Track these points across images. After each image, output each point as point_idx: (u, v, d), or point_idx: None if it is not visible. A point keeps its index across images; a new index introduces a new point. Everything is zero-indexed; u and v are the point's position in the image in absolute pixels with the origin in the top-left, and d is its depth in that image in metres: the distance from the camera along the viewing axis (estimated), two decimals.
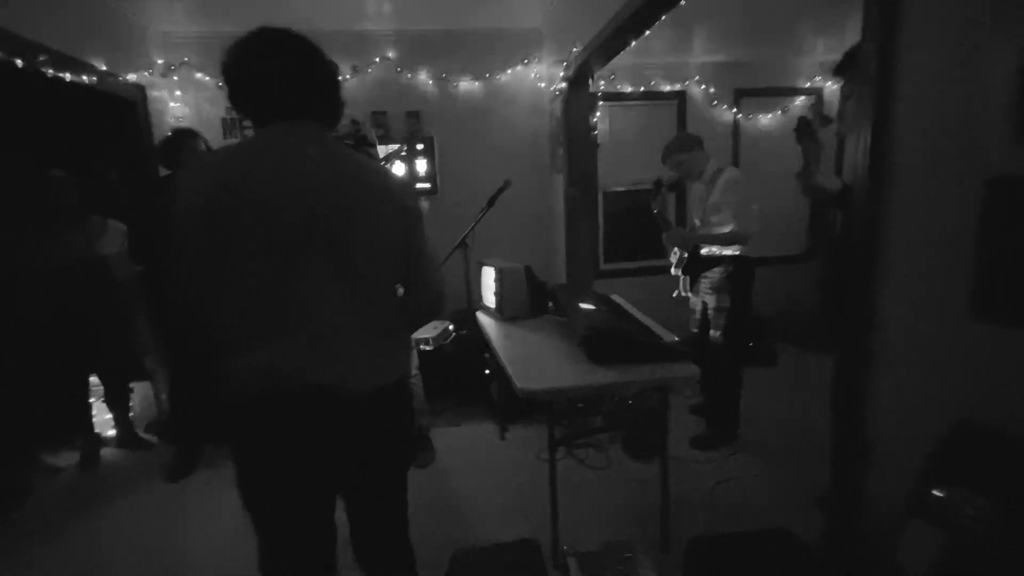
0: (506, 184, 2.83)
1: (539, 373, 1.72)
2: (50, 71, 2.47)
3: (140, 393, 3.19)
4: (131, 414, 3.07)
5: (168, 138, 2.73)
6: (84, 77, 2.70)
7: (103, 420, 3.07)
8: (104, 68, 2.88)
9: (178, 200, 0.98)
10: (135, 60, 3.23)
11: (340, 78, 1.11)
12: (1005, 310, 0.85)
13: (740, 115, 4.34)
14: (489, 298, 2.71)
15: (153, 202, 2.57)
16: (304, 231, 0.97)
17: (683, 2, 2.14)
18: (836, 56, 4.27)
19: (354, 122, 2.57)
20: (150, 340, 2.99)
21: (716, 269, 2.59)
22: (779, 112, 4.41)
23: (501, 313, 2.54)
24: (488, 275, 2.71)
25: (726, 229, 2.53)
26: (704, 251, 2.64)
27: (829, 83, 4.39)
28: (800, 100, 4.43)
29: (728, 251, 2.58)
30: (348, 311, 1.02)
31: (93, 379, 2.88)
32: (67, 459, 2.88)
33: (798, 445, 2.62)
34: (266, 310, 0.98)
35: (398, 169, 3.74)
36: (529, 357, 1.92)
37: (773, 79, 4.35)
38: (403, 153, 3.73)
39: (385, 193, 1.06)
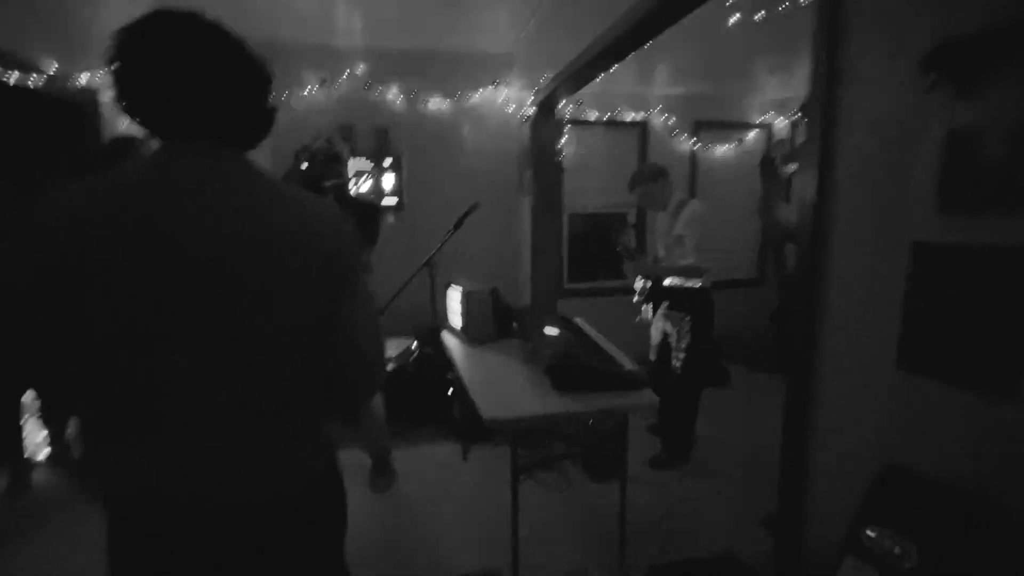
0: (474, 206, 2.87)
1: (504, 401, 1.75)
2: None
3: None
4: (68, 430, 2.88)
5: (104, 146, 2.61)
6: (31, 78, 2.56)
7: (36, 440, 2.87)
8: (55, 68, 2.74)
9: (23, 242, 0.73)
10: (87, 63, 3.09)
11: (270, 83, 0.85)
12: (926, 362, 0.95)
13: (698, 145, 4.56)
14: (455, 320, 2.73)
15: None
16: (187, 300, 0.73)
17: (648, 44, 2.25)
18: (786, 95, 4.57)
19: (328, 141, 2.59)
20: None
21: (679, 309, 2.70)
22: (734, 144, 4.66)
23: (467, 335, 2.55)
24: (454, 297, 2.73)
25: (688, 261, 2.63)
26: (667, 282, 2.75)
27: (779, 120, 4.68)
28: (753, 134, 4.70)
29: (689, 283, 2.68)
30: (238, 406, 0.77)
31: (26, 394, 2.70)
32: None
33: (748, 464, 2.75)
34: (130, 402, 0.75)
35: (365, 186, 3.72)
36: (494, 383, 1.95)
37: (729, 113, 4.61)
38: (369, 171, 3.73)
39: (310, 242, 0.80)
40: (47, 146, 3.10)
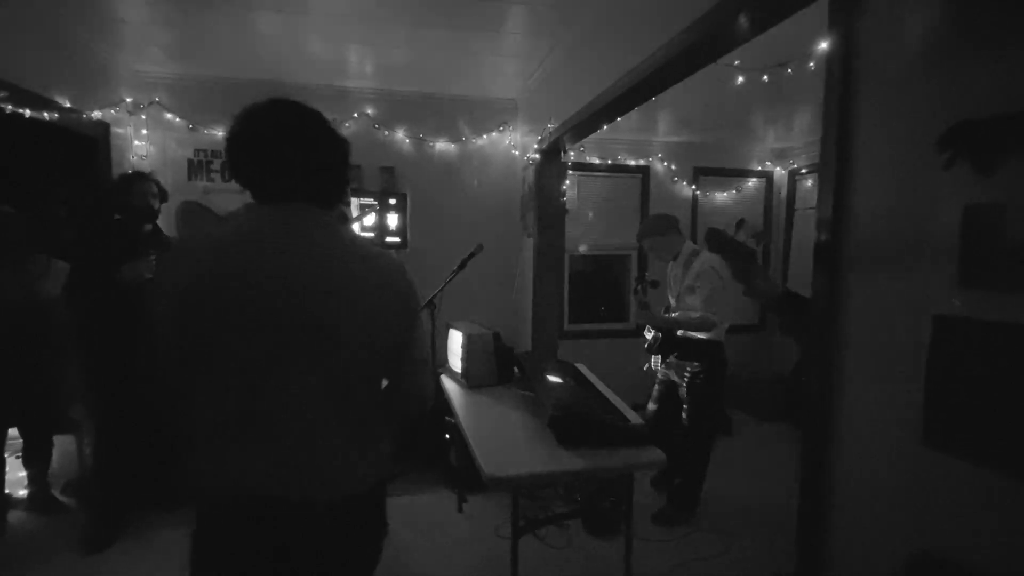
0: (478, 248, 2.87)
1: (507, 457, 1.69)
2: (8, 107, 2.36)
3: (61, 448, 2.90)
4: (49, 471, 2.78)
5: (115, 180, 2.64)
6: (45, 113, 2.59)
7: (14, 478, 2.76)
8: (68, 105, 2.78)
9: (162, 279, 0.95)
10: (103, 97, 3.14)
11: (348, 155, 1.05)
12: (954, 440, 0.91)
13: (698, 191, 4.63)
14: (455, 363, 2.68)
15: (97, 244, 2.45)
16: (291, 331, 0.91)
17: (654, 98, 2.31)
18: (785, 144, 4.67)
19: None
20: (80, 388, 2.76)
21: (693, 364, 2.64)
22: (734, 191, 4.74)
23: (467, 380, 2.51)
24: (455, 339, 2.69)
25: (697, 314, 2.58)
26: (679, 333, 2.70)
27: (778, 169, 4.77)
28: (752, 182, 4.78)
29: (702, 335, 2.63)
30: (328, 419, 0.96)
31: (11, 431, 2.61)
32: None
33: (756, 521, 2.65)
34: (238, 411, 0.92)
35: (368, 222, 3.73)
36: (495, 435, 1.89)
37: (729, 160, 4.70)
38: (374, 211, 3.74)
39: (388, 292, 1.00)
40: (61, 176, 3.13)
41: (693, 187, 4.61)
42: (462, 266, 2.86)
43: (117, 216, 2.56)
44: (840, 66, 1.11)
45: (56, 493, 2.81)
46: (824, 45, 1.17)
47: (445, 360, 2.88)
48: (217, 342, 0.90)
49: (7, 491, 2.67)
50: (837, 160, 1.12)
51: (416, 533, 2.56)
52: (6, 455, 2.63)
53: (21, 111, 2.45)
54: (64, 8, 2.62)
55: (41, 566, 2.27)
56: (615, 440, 1.75)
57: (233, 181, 0.99)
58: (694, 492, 2.72)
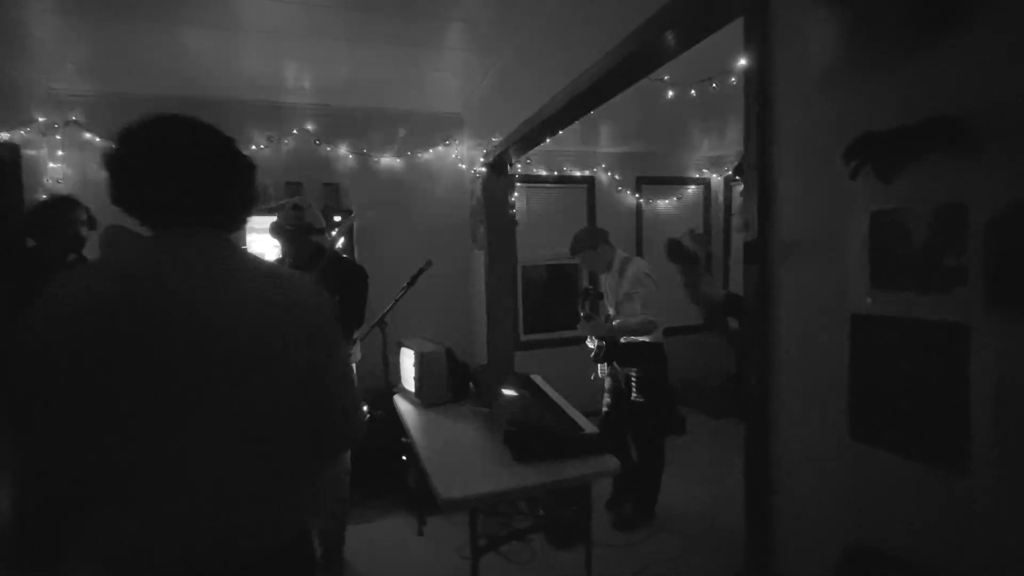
0: (427, 264, 2.83)
1: (462, 476, 1.66)
2: None
3: None
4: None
5: (40, 205, 2.43)
6: None
7: None
8: None
9: (32, 329, 0.78)
10: (11, 117, 2.91)
11: (254, 173, 0.95)
12: (878, 433, 0.97)
13: (641, 200, 4.78)
14: (408, 382, 2.63)
15: (7, 273, 2.24)
16: (188, 373, 0.80)
17: (592, 112, 2.37)
18: (719, 153, 4.89)
19: (296, 207, 2.34)
20: None
21: (630, 364, 2.72)
22: (675, 198, 4.93)
23: (421, 399, 2.46)
24: (408, 358, 2.64)
25: (637, 319, 2.66)
26: (622, 340, 2.76)
27: (714, 176, 5.01)
28: (691, 188, 4.99)
29: (643, 339, 2.71)
30: (239, 466, 0.84)
31: None
32: None
33: (714, 518, 2.73)
34: (132, 467, 0.80)
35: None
36: (451, 454, 1.86)
37: (669, 169, 4.89)
38: (352, 224, 3.60)
39: (299, 318, 0.90)
40: None
41: (637, 195, 4.76)
42: (412, 283, 2.81)
43: (33, 243, 2.35)
44: (756, 82, 1.18)
45: None
46: (743, 61, 1.23)
47: (398, 380, 2.81)
48: (104, 399, 0.78)
49: None
50: (759, 167, 1.18)
51: (376, 560, 2.47)
52: None
53: None
54: None
55: None
56: (570, 451, 1.76)
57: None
58: (652, 494, 2.77)
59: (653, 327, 2.68)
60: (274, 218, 2.45)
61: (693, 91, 2.40)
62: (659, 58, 1.80)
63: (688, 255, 1.25)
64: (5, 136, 2.83)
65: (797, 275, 1.14)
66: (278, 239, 2.39)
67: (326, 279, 2.35)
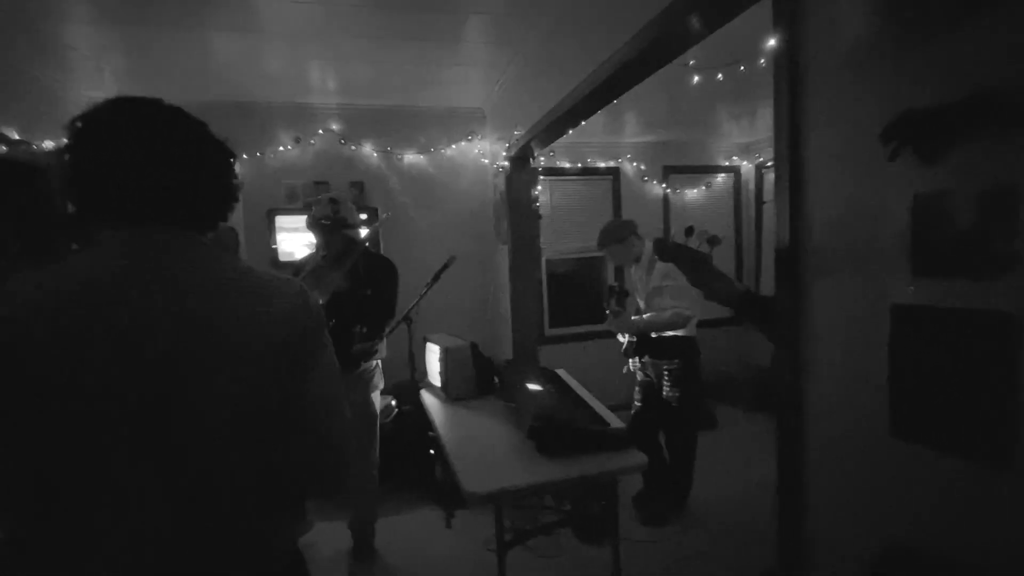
0: (450, 260, 2.83)
1: (486, 470, 1.67)
2: None
3: None
4: None
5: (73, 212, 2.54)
6: None
7: None
8: (16, 136, 2.68)
9: None
10: (53, 125, 3.04)
11: (233, 163, 0.85)
12: (920, 430, 0.92)
13: (669, 190, 4.68)
14: (434, 376, 2.64)
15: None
16: (123, 402, 0.68)
17: (619, 101, 2.32)
18: (750, 139, 4.74)
19: (333, 200, 2.40)
20: None
21: (671, 362, 2.64)
22: (703, 187, 4.80)
23: (447, 393, 2.47)
24: (433, 353, 2.66)
25: (668, 313, 2.59)
26: (653, 334, 2.70)
27: (744, 163, 4.86)
28: (721, 177, 4.85)
29: (675, 333, 2.64)
30: (180, 512, 0.72)
31: None
32: None
33: (743, 514, 2.66)
34: (60, 517, 0.68)
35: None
36: (475, 448, 1.86)
37: (697, 158, 4.77)
38: (379, 228, 3.67)
39: (263, 326, 0.77)
40: (5, 208, 3.00)
41: (663, 185, 4.66)
42: (436, 279, 2.82)
43: (75, 248, 2.47)
44: (786, 62, 1.12)
45: None
46: (772, 42, 1.18)
47: (425, 375, 2.84)
48: (31, 419, 0.67)
49: None
50: (789, 156, 1.13)
51: (403, 554, 2.51)
52: None
53: None
54: (5, 34, 2.53)
55: None
56: (595, 446, 1.74)
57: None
58: (683, 489, 2.72)
59: (685, 321, 2.60)
60: (304, 218, 2.51)
61: (720, 75, 2.31)
62: (684, 42, 1.74)
63: (678, 251, 1.19)
64: (48, 144, 2.96)
65: (832, 264, 1.09)
66: (313, 232, 2.45)
67: (357, 273, 2.41)
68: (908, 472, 0.92)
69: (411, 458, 3.11)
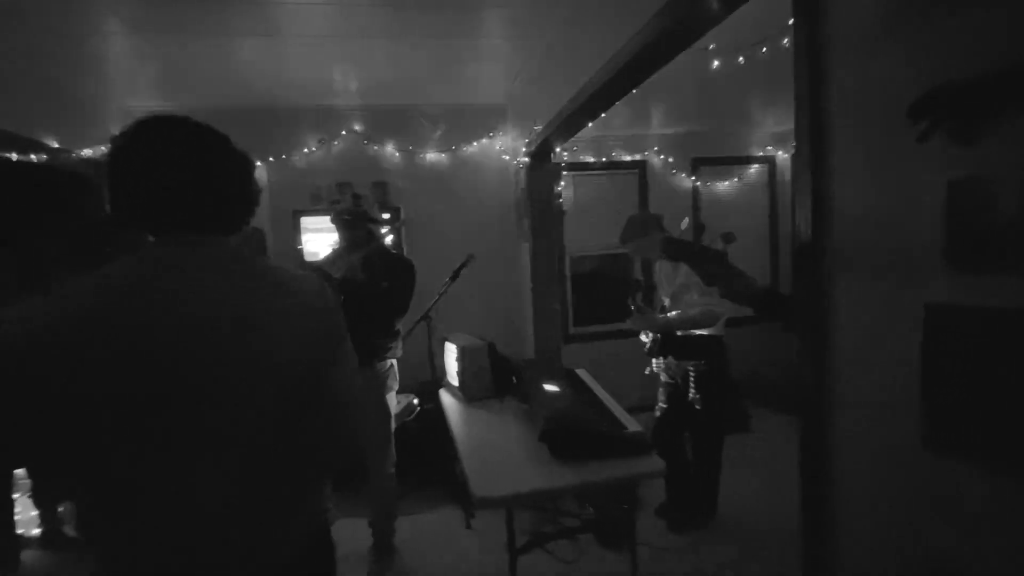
0: (469, 258, 2.81)
1: (497, 473, 1.62)
2: None
3: None
4: (60, 509, 2.79)
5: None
6: (32, 155, 2.63)
7: (27, 517, 2.78)
8: (57, 145, 2.82)
9: (21, 334, 0.72)
10: (92, 135, 3.18)
11: (253, 171, 0.94)
12: (956, 443, 0.82)
13: (698, 182, 4.51)
14: (453, 376, 2.62)
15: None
16: (174, 384, 0.78)
17: (644, 92, 2.22)
18: (785, 127, 4.51)
19: (356, 196, 2.49)
20: None
21: (698, 363, 2.52)
22: (735, 179, 4.61)
23: (464, 393, 2.44)
24: (451, 352, 2.64)
25: (696, 310, 2.46)
26: (679, 333, 2.57)
27: (780, 153, 4.63)
28: (754, 168, 4.65)
29: (702, 332, 2.52)
30: (228, 479, 0.82)
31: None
32: None
33: (772, 523, 2.53)
34: (122, 481, 0.78)
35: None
36: (488, 450, 1.82)
37: (728, 148, 4.57)
38: (400, 227, 3.73)
39: (293, 319, 0.88)
40: (45, 215, 3.16)
41: (692, 178, 4.50)
42: (454, 277, 2.81)
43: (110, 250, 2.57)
44: (805, 36, 1.03)
45: (68, 530, 2.82)
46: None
47: (444, 374, 2.82)
48: (95, 403, 0.74)
49: (20, 530, 2.69)
50: (810, 142, 1.03)
51: (422, 554, 2.50)
52: (17, 494, 2.66)
53: (8, 154, 2.48)
54: (45, 49, 2.65)
55: None
56: (610, 450, 1.67)
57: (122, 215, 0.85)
58: (709, 496, 2.61)
59: (715, 318, 2.45)
60: (327, 217, 2.56)
61: (741, 58, 2.18)
62: (702, 24, 1.64)
63: (688, 250, 1.12)
64: (87, 153, 3.10)
65: (858, 259, 0.99)
66: (336, 226, 2.52)
67: (372, 265, 2.43)
68: (944, 489, 0.83)
69: (432, 457, 3.11)
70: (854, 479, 1.01)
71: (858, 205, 0.99)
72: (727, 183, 4.60)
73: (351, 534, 2.61)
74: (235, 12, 2.44)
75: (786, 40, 2.04)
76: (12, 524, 2.64)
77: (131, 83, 3.22)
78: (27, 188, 3.01)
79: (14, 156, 2.54)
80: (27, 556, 2.66)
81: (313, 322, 0.91)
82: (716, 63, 2.23)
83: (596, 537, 2.49)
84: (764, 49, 2.05)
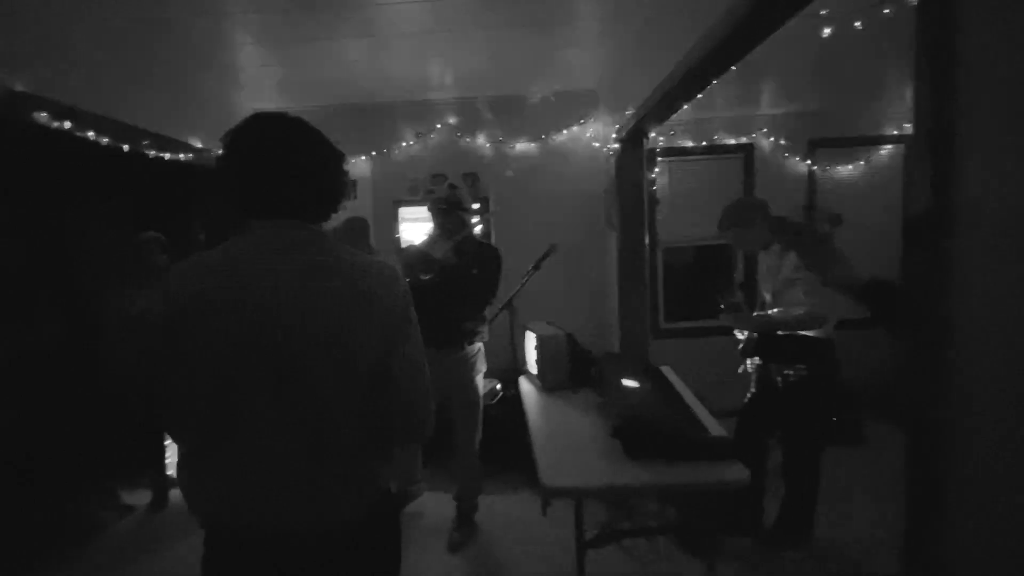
0: (552, 249, 2.79)
1: (569, 464, 1.61)
2: (152, 152, 2.83)
3: None
4: None
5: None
6: (181, 155, 3.06)
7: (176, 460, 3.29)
8: (200, 146, 3.26)
9: (158, 302, 0.94)
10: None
11: (344, 163, 1.05)
12: None
13: (815, 167, 4.04)
14: (532, 365, 2.64)
15: None
16: (260, 351, 0.90)
17: (733, 68, 2.04)
18: None
19: (451, 186, 2.66)
20: None
21: (797, 367, 2.26)
22: (861, 163, 4.06)
23: (542, 382, 2.45)
24: (530, 341, 2.65)
25: (801, 309, 2.19)
26: (780, 332, 2.33)
27: None
28: (885, 150, 4.06)
29: (808, 333, 2.25)
30: (300, 439, 0.92)
31: None
32: (140, 498, 3.10)
33: (880, 547, 2.23)
34: (210, 433, 0.93)
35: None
36: (561, 441, 1.81)
37: (854, 128, 4.04)
38: (490, 219, 3.86)
39: (367, 302, 0.95)
40: (192, 205, 3.69)
41: (809, 162, 4.04)
42: (536, 267, 2.81)
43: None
44: None
45: None
46: None
47: (524, 362, 2.85)
48: (191, 366, 0.92)
49: (169, 472, 3.19)
50: (932, 107, 0.87)
51: (501, 533, 2.58)
52: (168, 441, 3.15)
53: (162, 155, 2.93)
54: (191, 61, 3.06)
55: (198, 538, 2.66)
56: (688, 453, 1.57)
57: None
58: (805, 513, 2.35)
59: (822, 321, 2.18)
60: (423, 207, 2.76)
61: (858, 23, 1.88)
62: None
63: (794, 230, 1.00)
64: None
65: (989, 248, 0.82)
66: (432, 213, 2.67)
67: (464, 252, 2.56)
68: None
69: (513, 442, 3.15)
70: (974, 510, 0.85)
71: (990, 187, 0.82)
72: (851, 167, 4.07)
73: (438, 506, 2.76)
74: (341, 18, 2.63)
75: None
76: (164, 466, 3.14)
77: (258, 87, 3.61)
78: (177, 186, 3.53)
79: (167, 156, 2.98)
80: (175, 496, 3.14)
81: (385, 304, 0.97)
82: (827, 31, 1.95)
83: (676, 540, 2.37)
84: (886, 11, 1.75)
